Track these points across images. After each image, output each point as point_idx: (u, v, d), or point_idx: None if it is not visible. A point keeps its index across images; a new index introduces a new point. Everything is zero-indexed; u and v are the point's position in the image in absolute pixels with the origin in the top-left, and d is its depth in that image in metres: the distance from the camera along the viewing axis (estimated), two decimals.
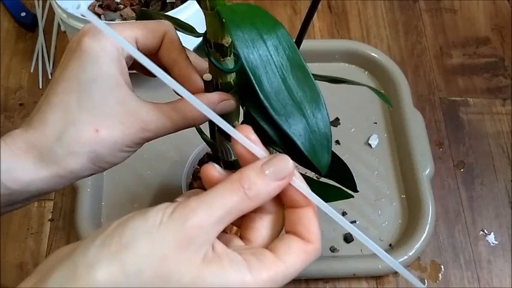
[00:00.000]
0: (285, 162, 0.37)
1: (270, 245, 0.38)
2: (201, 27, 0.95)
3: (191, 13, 0.86)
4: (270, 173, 0.36)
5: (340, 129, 0.91)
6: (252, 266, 0.34)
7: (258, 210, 0.39)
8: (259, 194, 0.36)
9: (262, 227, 0.39)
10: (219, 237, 0.36)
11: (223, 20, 0.37)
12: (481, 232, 0.82)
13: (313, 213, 0.38)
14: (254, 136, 0.38)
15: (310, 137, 0.41)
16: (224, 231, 0.37)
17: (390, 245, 0.80)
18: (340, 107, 0.92)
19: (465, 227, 0.83)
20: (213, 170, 0.39)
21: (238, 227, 0.41)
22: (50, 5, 1.04)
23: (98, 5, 0.98)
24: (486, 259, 0.80)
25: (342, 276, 0.78)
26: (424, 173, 0.83)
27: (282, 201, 0.39)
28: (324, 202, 0.38)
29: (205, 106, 0.37)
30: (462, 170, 0.88)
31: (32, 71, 0.98)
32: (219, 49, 0.42)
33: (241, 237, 0.40)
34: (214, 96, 0.45)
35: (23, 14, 1.01)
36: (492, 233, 0.82)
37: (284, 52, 0.40)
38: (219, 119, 0.37)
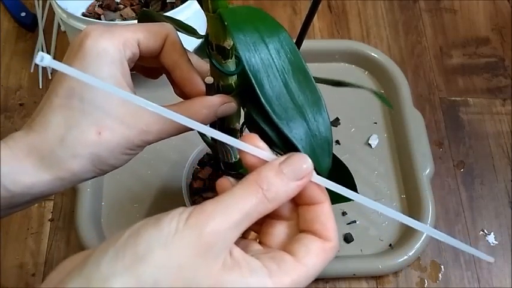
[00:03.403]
0: (304, 161, 0.36)
1: (287, 247, 0.37)
2: (201, 27, 0.96)
3: (191, 13, 0.86)
4: (289, 173, 0.36)
5: (340, 129, 0.91)
6: (272, 273, 0.34)
7: (276, 216, 0.39)
8: (278, 195, 0.35)
9: (282, 233, 0.39)
10: (236, 243, 0.35)
11: (225, 23, 0.37)
12: (481, 232, 0.83)
13: (329, 208, 0.38)
14: (262, 143, 0.38)
15: (311, 141, 0.41)
16: (243, 236, 0.36)
17: (390, 245, 0.80)
18: (340, 107, 0.91)
19: (465, 227, 0.83)
20: (228, 183, 0.38)
21: (257, 232, 0.41)
22: (50, 5, 1.03)
23: (98, 5, 0.98)
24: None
25: (342, 276, 0.78)
26: (424, 173, 0.83)
27: (296, 203, 0.39)
28: (349, 190, 0.38)
29: (202, 126, 0.37)
30: (462, 170, 0.88)
31: (32, 71, 0.97)
32: (221, 51, 0.42)
33: (260, 243, 0.39)
34: (216, 99, 0.45)
35: (23, 14, 1.01)
36: (492, 233, 0.82)
37: (286, 55, 0.40)
38: (225, 136, 0.37)
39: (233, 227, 0.33)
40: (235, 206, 0.34)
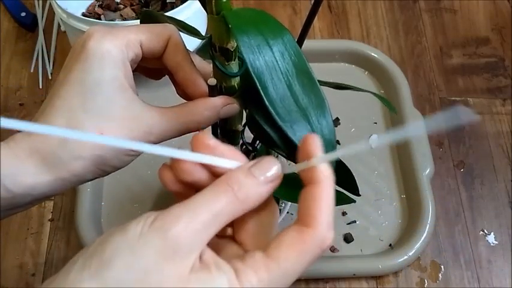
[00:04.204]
0: (273, 164, 0.36)
1: (264, 242, 0.35)
2: (201, 27, 0.96)
3: (191, 13, 0.86)
4: (259, 175, 0.35)
5: (340, 129, 0.91)
6: (239, 272, 0.33)
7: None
8: (249, 196, 0.34)
9: (253, 226, 0.38)
10: (211, 244, 0.34)
11: (229, 25, 0.37)
12: (481, 232, 0.83)
13: (321, 191, 0.35)
14: (213, 141, 0.37)
15: None
16: (217, 235, 0.35)
17: (390, 245, 0.80)
18: (340, 107, 0.91)
19: (465, 227, 0.83)
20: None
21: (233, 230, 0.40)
22: (50, 5, 1.03)
23: (98, 5, 0.98)
24: (486, 259, 0.80)
25: (342, 276, 0.78)
26: (424, 173, 0.83)
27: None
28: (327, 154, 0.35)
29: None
30: (462, 170, 0.88)
31: (32, 71, 0.97)
32: (224, 53, 0.42)
33: (235, 239, 0.38)
34: (219, 100, 0.45)
35: (23, 14, 1.01)
36: (492, 233, 0.82)
37: (290, 58, 0.40)
38: (166, 150, 0.35)
39: (202, 228, 0.32)
40: (204, 207, 0.33)
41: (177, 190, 0.38)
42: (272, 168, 0.36)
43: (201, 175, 0.37)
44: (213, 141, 0.37)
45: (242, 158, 0.37)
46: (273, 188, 0.36)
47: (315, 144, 0.36)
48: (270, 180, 0.35)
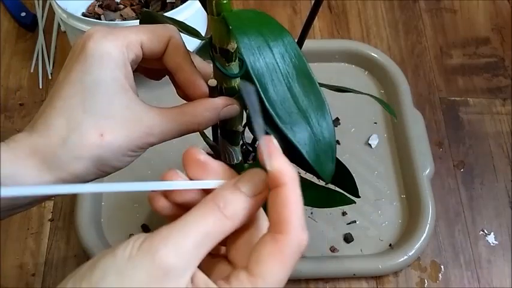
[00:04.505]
0: (259, 177, 0.36)
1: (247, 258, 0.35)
2: (201, 27, 0.95)
3: (191, 13, 0.86)
4: (245, 189, 0.35)
5: (340, 129, 0.91)
6: None
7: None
8: (237, 212, 0.34)
9: (242, 244, 0.37)
10: (202, 264, 0.33)
11: (230, 27, 0.37)
12: (481, 232, 0.83)
13: (287, 193, 0.34)
14: (203, 156, 0.37)
15: (315, 146, 0.41)
16: (210, 253, 0.34)
17: (390, 245, 0.80)
18: (341, 107, 0.91)
19: (465, 227, 0.83)
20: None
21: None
22: (50, 5, 1.03)
23: (98, 5, 0.98)
24: (486, 259, 0.80)
25: (342, 276, 0.78)
26: (424, 173, 0.83)
27: (257, 215, 0.37)
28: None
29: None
30: (462, 170, 0.88)
31: (32, 71, 0.97)
32: (224, 54, 0.41)
33: (227, 258, 0.38)
34: (219, 101, 0.45)
35: (23, 14, 1.01)
36: (492, 233, 0.82)
37: (290, 60, 0.39)
38: (154, 184, 0.35)
39: (192, 250, 0.32)
40: (193, 227, 0.33)
41: (169, 213, 0.38)
42: (258, 180, 0.35)
43: (193, 194, 0.37)
44: (203, 157, 0.37)
45: (232, 173, 0.37)
46: (261, 200, 0.36)
47: (271, 148, 0.35)
48: (257, 192, 0.35)
